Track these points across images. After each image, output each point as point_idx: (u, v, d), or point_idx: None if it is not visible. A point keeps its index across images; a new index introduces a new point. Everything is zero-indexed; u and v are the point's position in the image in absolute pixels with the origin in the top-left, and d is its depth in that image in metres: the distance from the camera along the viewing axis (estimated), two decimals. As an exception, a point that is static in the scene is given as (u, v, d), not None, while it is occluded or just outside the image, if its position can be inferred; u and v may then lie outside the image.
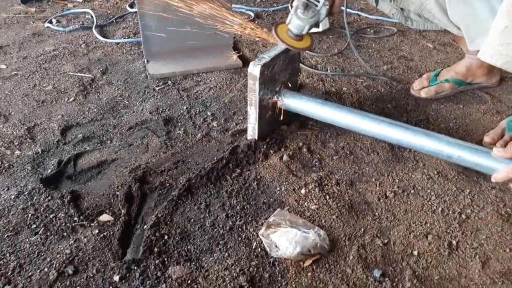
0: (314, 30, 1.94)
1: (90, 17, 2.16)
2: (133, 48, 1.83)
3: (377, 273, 0.86)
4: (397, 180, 1.10)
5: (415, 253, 0.91)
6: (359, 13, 2.23)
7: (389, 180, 1.10)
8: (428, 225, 0.97)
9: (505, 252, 0.92)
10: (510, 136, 1.20)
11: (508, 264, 0.89)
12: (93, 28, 1.99)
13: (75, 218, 0.97)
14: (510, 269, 0.88)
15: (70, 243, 0.91)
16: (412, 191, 1.07)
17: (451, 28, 1.30)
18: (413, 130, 1.06)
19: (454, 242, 0.93)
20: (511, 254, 0.91)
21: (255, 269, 0.87)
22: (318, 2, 1.08)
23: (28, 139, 1.24)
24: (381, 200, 1.04)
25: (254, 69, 1.08)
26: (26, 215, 0.98)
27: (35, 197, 1.03)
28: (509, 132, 1.21)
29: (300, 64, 1.66)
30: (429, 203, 1.03)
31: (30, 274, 0.85)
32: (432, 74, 1.49)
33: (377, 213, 1.01)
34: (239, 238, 0.94)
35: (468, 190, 1.07)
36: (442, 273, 0.87)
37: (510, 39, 0.91)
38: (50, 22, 2.10)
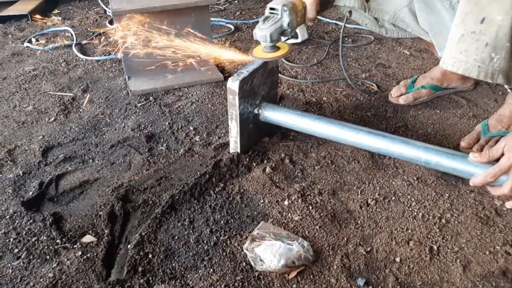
0: (293, 41, 1.97)
1: (70, 35, 2.15)
2: (114, 65, 1.83)
3: (361, 281, 0.87)
4: (378, 188, 1.12)
5: (398, 260, 0.92)
6: (337, 22, 2.27)
7: (370, 188, 1.12)
8: (410, 231, 0.99)
9: (485, 254, 0.94)
10: (486, 139, 1.23)
11: (488, 267, 0.91)
12: (73, 46, 1.99)
13: (58, 241, 0.96)
14: (491, 271, 0.90)
15: (53, 266, 0.90)
16: (393, 198, 1.08)
17: (424, 35, 1.34)
18: (391, 138, 1.08)
19: (435, 247, 0.95)
20: (491, 257, 0.93)
21: (240, 284, 0.87)
22: (278, 10, 1.11)
23: (8, 162, 1.23)
24: (363, 208, 1.06)
25: (233, 84, 1.10)
26: (8, 240, 0.97)
27: (17, 221, 1.02)
28: (484, 136, 1.24)
29: (280, 75, 1.69)
30: (410, 209, 1.05)
31: (12, 300, 0.84)
32: (409, 81, 1.52)
33: (359, 222, 1.02)
34: (224, 253, 0.94)
35: (447, 195, 1.09)
36: (424, 278, 0.89)
37: (467, 46, 0.95)
38: (30, 41, 2.09)
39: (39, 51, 1.99)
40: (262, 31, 1.11)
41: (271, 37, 1.11)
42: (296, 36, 1.97)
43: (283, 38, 1.15)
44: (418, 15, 1.25)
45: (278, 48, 1.15)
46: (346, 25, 2.21)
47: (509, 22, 0.89)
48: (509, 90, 1.21)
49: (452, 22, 1.01)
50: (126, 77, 1.66)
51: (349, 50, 1.94)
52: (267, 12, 1.13)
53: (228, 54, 1.38)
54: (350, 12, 1.38)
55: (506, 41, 0.91)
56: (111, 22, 2.30)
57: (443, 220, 1.02)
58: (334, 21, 2.28)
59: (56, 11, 2.58)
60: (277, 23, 1.11)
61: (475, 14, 0.93)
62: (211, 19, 2.26)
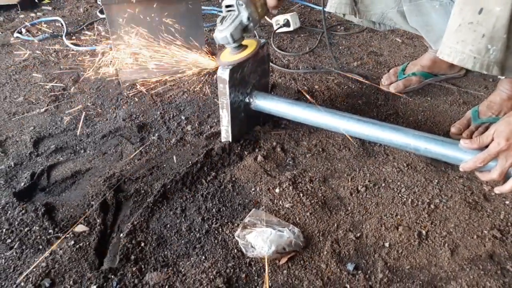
0: (285, 29, 1.97)
1: (60, 25, 2.13)
2: (104, 55, 1.82)
3: (350, 266, 0.89)
4: (368, 174, 1.13)
5: (387, 244, 0.94)
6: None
7: (360, 175, 1.13)
8: (399, 216, 1.00)
9: (472, 239, 0.95)
10: (476, 125, 1.24)
11: (476, 250, 0.93)
12: (64, 36, 1.97)
13: (50, 231, 0.97)
14: (478, 255, 0.92)
15: (45, 256, 0.91)
16: (383, 184, 1.10)
17: (414, 31, 1.33)
18: (381, 125, 1.09)
19: (423, 232, 0.96)
20: (479, 241, 0.95)
21: (232, 270, 0.88)
22: (233, 6, 1.05)
23: (0, 153, 1.23)
24: (353, 195, 1.07)
25: (223, 73, 1.10)
26: (0, 230, 0.97)
27: (9, 212, 1.02)
28: (474, 122, 1.25)
29: (272, 65, 1.68)
30: (399, 195, 1.06)
31: (6, 289, 0.85)
32: (399, 68, 1.53)
33: (349, 208, 1.03)
34: (216, 241, 0.95)
35: (436, 181, 1.10)
36: (413, 262, 0.90)
37: (464, 36, 0.94)
38: (20, 32, 2.07)
39: (30, 42, 1.97)
40: (222, 33, 1.05)
41: (232, 36, 1.05)
42: (288, 25, 1.96)
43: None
44: (407, 16, 1.23)
45: (245, 47, 1.11)
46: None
47: (507, 13, 0.88)
48: (500, 77, 1.22)
49: (442, 21, 0.99)
50: (117, 67, 1.65)
51: (341, 38, 1.94)
52: (224, 11, 1.07)
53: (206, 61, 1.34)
54: (343, 14, 1.37)
55: (503, 33, 0.90)
56: (102, 12, 2.28)
57: (432, 206, 1.03)
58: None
59: (46, 0, 2.54)
60: (235, 20, 1.05)
61: (473, 4, 0.92)
62: (203, 7, 2.25)
